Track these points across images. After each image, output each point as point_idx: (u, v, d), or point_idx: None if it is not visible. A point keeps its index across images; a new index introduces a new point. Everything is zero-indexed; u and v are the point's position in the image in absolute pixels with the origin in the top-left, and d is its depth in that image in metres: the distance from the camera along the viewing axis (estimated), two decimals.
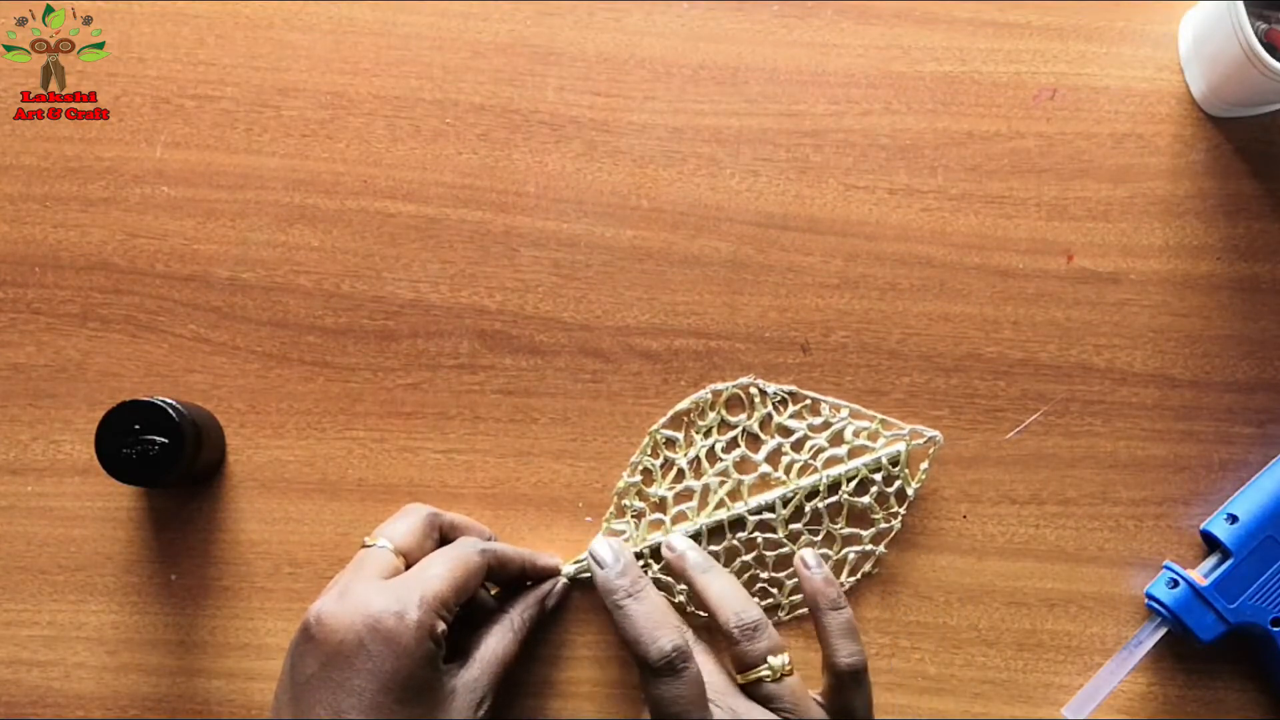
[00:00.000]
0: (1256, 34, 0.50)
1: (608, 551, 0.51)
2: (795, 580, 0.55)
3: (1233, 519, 0.53)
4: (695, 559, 0.52)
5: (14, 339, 0.56)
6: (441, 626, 0.46)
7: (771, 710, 0.47)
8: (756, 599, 0.54)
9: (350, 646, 0.45)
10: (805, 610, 0.54)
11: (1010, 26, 0.57)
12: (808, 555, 0.52)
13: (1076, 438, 0.56)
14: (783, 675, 0.47)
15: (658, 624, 0.47)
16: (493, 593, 0.54)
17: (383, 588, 0.46)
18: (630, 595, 0.49)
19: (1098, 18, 0.57)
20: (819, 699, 0.49)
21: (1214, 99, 0.55)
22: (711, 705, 0.47)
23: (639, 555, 0.54)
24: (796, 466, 0.55)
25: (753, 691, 0.48)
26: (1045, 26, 0.57)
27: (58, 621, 0.55)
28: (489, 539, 0.54)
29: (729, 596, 0.50)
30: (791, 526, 0.55)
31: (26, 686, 0.55)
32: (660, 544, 0.54)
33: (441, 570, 0.48)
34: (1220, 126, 0.57)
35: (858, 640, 0.49)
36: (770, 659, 0.48)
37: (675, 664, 0.46)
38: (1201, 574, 0.53)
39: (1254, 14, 0.51)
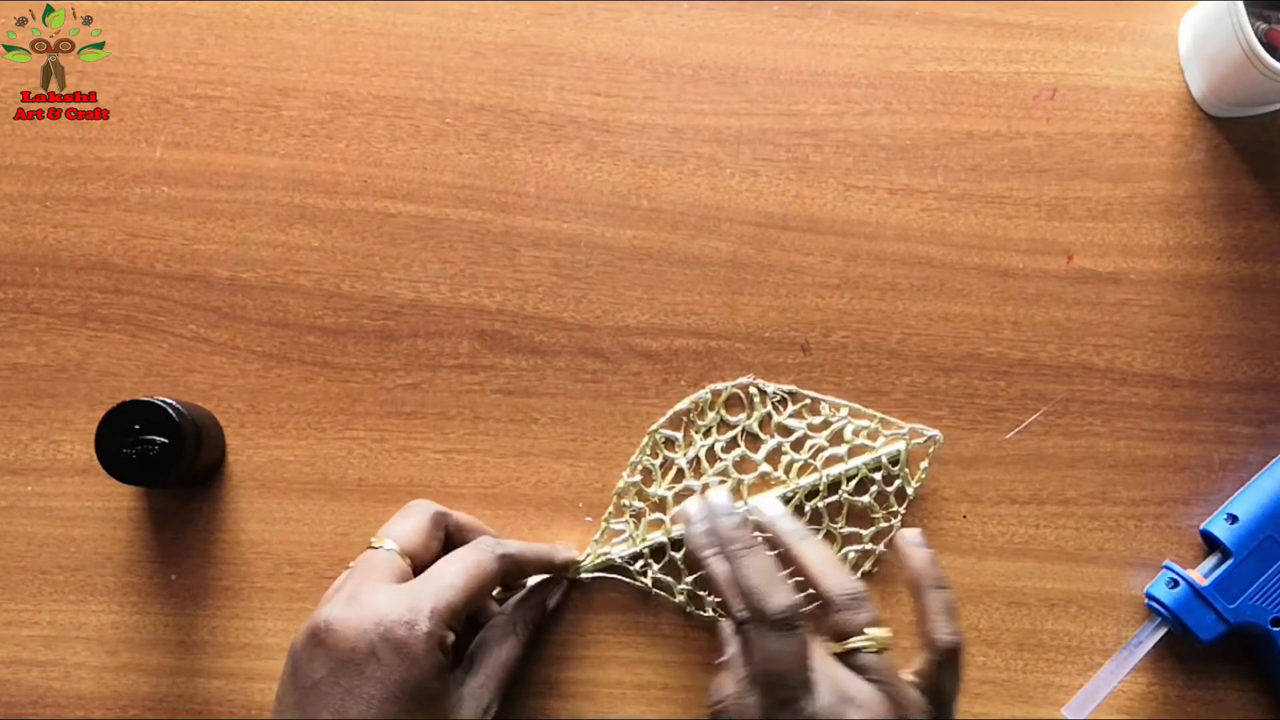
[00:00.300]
0: (1256, 34, 0.50)
1: (726, 502, 0.50)
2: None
3: (1233, 519, 0.53)
4: (790, 526, 0.50)
5: (14, 339, 0.56)
6: (451, 638, 0.46)
7: (865, 681, 0.47)
8: None
9: (361, 655, 0.45)
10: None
11: (1010, 26, 0.57)
12: (911, 534, 0.51)
13: (1076, 438, 0.56)
14: (880, 648, 0.47)
15: (776, 579, 0.47)
16: (495, 593, 0.54)
17: (394, 595, 0.46)
18: (748, 548, 0.48)
19: (1098, 18, 0.57)
20: (910, 677, 0.49)
21: (1214, 99, 0.55)
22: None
23: (639, 555, 0.54)
24: (796, 466, 0.55)
25: (847, 661, 0.47)
26: (1045, 26, 0.57)
27: (58, 621, 0.55)
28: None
29: (829, 565, 0.49)
30: None
31: (26, 686, 0.55)
32: (663, 544, 0.54)
33: (455, 580, 0.47)
34: (1220, 126, 0.57)
35: (957, 621, 0.49)
36: (870, 630, 0.47)
37: (792, 621, 0.46)
38: (1201, 574, 0.53)
39: (1254, 14, 0.51)
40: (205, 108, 0.56)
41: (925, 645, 0.49)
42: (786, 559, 0.50)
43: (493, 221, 0.56)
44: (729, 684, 0.47)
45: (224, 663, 0.55)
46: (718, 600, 0.54)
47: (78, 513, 0.55)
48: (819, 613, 0.48)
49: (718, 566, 0.48)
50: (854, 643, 0.47)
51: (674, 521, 0.54)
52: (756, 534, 0.49)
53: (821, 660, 0.47)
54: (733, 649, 0.48)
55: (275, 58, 0.56)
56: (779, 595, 0.46)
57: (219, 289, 0.56)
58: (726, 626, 0.49)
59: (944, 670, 0.48)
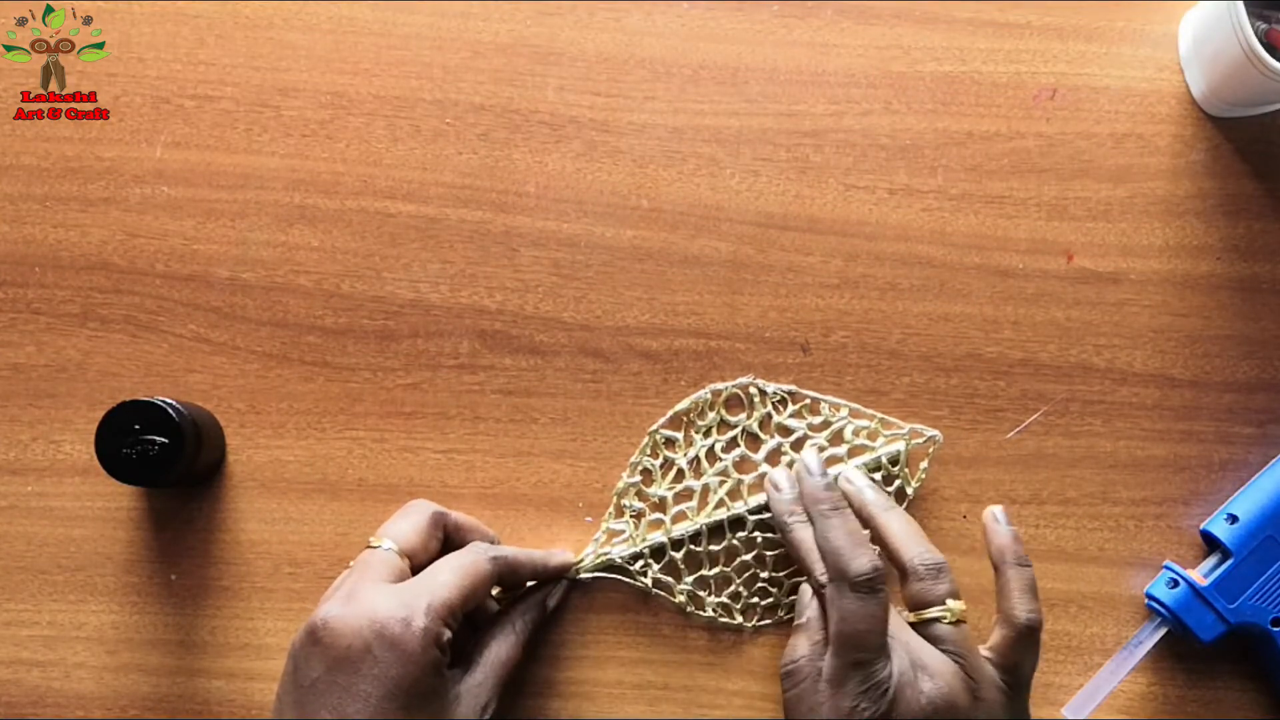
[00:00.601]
0: (1256, 34, 0.50)
1: (816, 463, 0.52)
2: (795, 580, 0.55)
3: (1233, 519, 0.53)
4: (875, 497, 0.51)
5: (14, 339, 0.56)
6: (447, 635, 0.46)
7: (940, 651, 0.47)
8: (755, 599, 0.55)
9: (357, 652, 0.45)
10: None
11: (1010, 26, 0.57)
12: (998, 511, 0.52)
13: (1076, 438, 0.56)
14: (957, 620, 0.48)
15: (862, 542, 0.48)
16: (494, 593, 0.54)
17: (390, 593, 0.46)
18: (836, 509, 0.50)
19: (1098, 18, 0.57)
20: (986, 652, 0.49)
21: (1214, 99, 0.55)
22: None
23: (639, 555, 0.54)
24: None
25: (922, 631, 0.48)
26: (1045, 26, 0.57)
27: (58, 621, 0.55)
28: (492, 541, 0.54)
29: (912, 536, 0.50)
30: None
31: (26, 686, 0.55)
32: (663, 544, 0.54)
33: (450, 578, 0.48)
34: (1220, 126, 0.57)
35: (1038, 599, 0.49)
36: (950, 601, 0.48)
37: (874, 583, 0.47)
38: (1201, 574, 0.53)
39: (1254, 14, 0.51)
40: (205, 108, 0.56)
41: (1004, 621, 0.49)
42: (869, 529, 0.51)
43: (493, 221, 0.56)
44: (803, 646, 0.48)
45: (224, 663, 0.55)
46: (719, 602, 0.55)
47: (78, 513, 0.55)
48: (898, 582, 0.49)
49: (800, 532, 0.50)
50: (932, 612, 0.48)
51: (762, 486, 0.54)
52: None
53: (899, 628, 0.48)
54: (810, 613, 0.49)
55: (275, 58, 0.56)
56: (864, 557, 0.47)
57: (219, 289, 0.56)
58: (805, 590, 0.50)
59: (1021, 647, 0.48)
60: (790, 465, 0.55)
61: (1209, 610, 0.52)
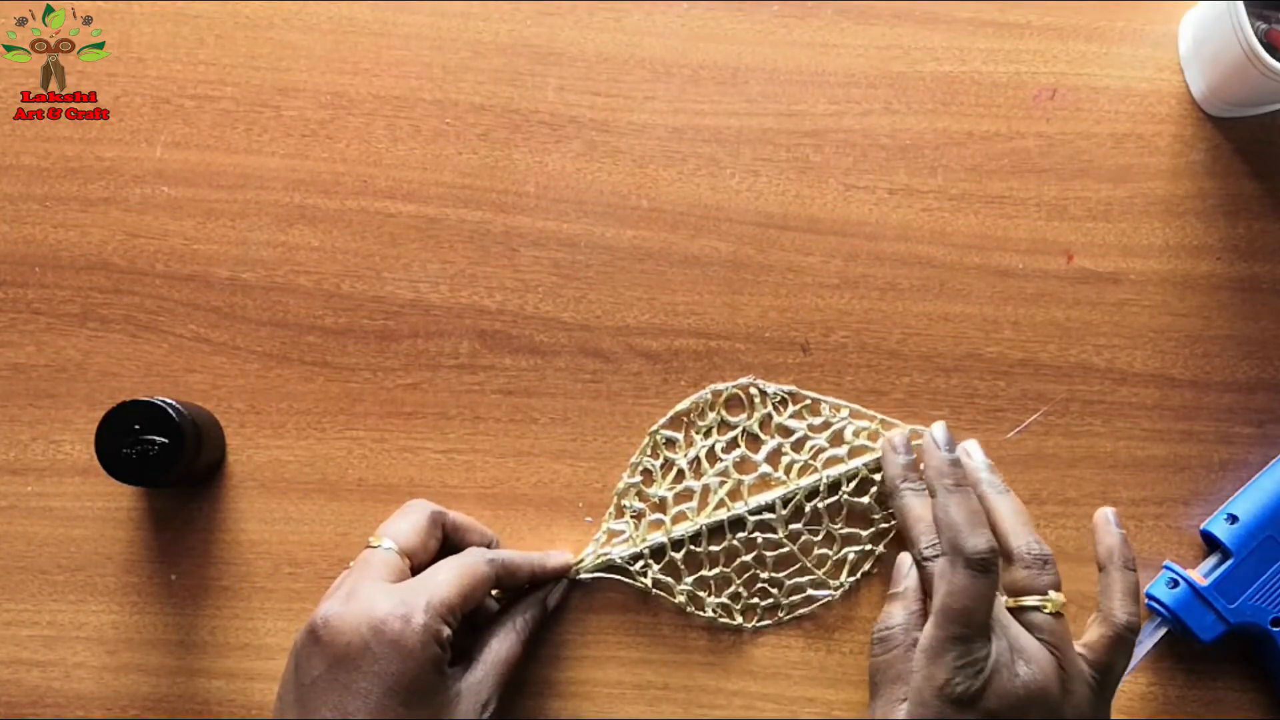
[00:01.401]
0: (1256, 34, 0.50)
1: (945, 436, 0.53)
2: (795, 580, 0.55)
3: (1233, 519, 0.53)
4: (990, 477, 0.52)
5: (14, 339, 0.56)
6: (446, 632, 0.47)
7: (1038, 640, 0.48)
8: (756, 599, 0.55)
9: (356, 649, 0.45)
10: (805, 610, 0.55)
11: (1010, 26, 0.57)
12: (1110, 513, 0.53)
13: (1076, 438, 0.56)
14: (1056, 611, 0.48)
15: (981, 521, 0.49)
16: (494, 594, 0.54)
17: (389, 591, 0.47)
18: (959, 485, 0.51)
19: (1098, 18, 0.57)
20: (1080, 649, 0.49)
21: (1214, 99, 0.55)
22: None
23: (639, 555, 0.54)
24: (796, 466, 0.55)
25: (1020, 618, 0.49)
26: (1045, 26, 0.57)
27: (58, 621, 0.55)
28: (491, 542, 0.54)
29: (1022, 523, 0.50)
30: (791, 526, 0.55)
31: (26, 686, 0.55)
32: (663, 544, 0.54)
33: (449, 577, 0.48)
34: (1220, 126, 0.57)
35: (1138, 604, 0.50)
36: (1052, 593, 0.48)
37: (989, 563, 0.47)
38: (1201, 574, 0.53)
39: (1254, 14, 0.51)
40: (205, 108, 0.56)
41: (1103, 621, 0.50)
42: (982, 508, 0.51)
43: (493, 221, 0.56)
44: (899, 614, 0.49)
45: (224, 663, 0.55)
46: (719, 602, 0.55)
47: (78, 513, 0.55)
48: (1006, 567, 0.50)
49: (909, 500, 0.51)
50: (1032, 600, 0.49)
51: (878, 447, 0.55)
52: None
53: (1000, 612, 0.48)
54: (908, 582, 0.50)
55: (275, 58, 0.56)
56: (982, 537, 0.48)
57: (219, 289, 0.56)
58: (905, 559, 0.51)
59: (1117, 648, 0.49)
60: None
61: (1209, 610, 0.52)
